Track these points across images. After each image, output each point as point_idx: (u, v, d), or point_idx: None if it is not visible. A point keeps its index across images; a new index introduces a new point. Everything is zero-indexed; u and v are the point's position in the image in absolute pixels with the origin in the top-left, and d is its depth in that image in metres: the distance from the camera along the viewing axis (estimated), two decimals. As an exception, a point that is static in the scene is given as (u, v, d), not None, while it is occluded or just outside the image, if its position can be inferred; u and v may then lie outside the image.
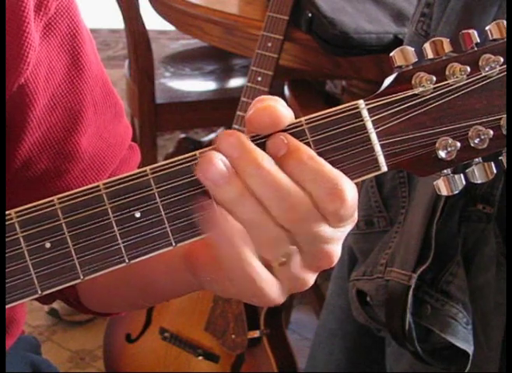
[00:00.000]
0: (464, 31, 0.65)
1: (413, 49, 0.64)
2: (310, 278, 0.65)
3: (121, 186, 0.61)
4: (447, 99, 0.64)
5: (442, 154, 0.64)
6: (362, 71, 1.87)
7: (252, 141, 0.62)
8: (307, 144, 0.62)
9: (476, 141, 0.64)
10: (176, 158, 0.62)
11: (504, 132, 0.65)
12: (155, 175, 0.62)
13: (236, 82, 2.60)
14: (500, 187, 1.21)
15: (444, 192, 0.65)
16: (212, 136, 2.90)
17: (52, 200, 0.61)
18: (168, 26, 2.37)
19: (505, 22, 0.65)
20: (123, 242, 0.62)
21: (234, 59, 2.68)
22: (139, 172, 0.62)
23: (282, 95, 2.01)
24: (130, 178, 0.62)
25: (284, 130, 0.62)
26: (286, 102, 0.63)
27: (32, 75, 0.80)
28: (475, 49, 0.64)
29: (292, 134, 0.62)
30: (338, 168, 0.63)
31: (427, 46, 0.64)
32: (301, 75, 2.11)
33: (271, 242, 0.62)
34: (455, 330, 1.21)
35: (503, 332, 1.24)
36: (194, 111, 2.46)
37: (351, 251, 1.38)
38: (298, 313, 2.35)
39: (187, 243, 0.63)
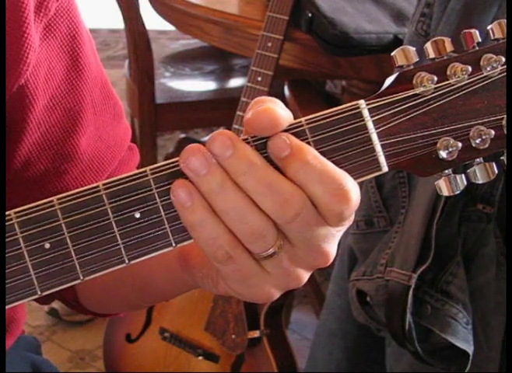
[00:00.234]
0: (465, 31, 0.64)
1: (414, 48, 0.64)
2: (304, 275, 0.64)
3: (121, 186, 0.61)
4: (449, 99, 0.64)
5: (443, 154, 0.64)
6: (362, 71, 1.86)
7: (252, 141, 0.61)
8: (308, 144, 0.62)
9: (477, 141, 0.64)
10: (176, 159, 0.61)
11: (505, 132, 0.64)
12: (155, 175, 0.61)
13: (236, 82, 2.60)
14: (500, 187, 1.21)
15: (445, 192, 0.65)
16: (211, 136, 2.89)
17: (52, 201, 0.61)
18: (168, 26, 2.37)
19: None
20: (123, 243, 0.61)
21: (234, 59, 2.67)
22: (139, 173, 0.62)
23: (282, 95, 2.01)
24: (130, 178, 0.61)
25: (284, 131, 0.62)
26: (286, 102, 0.62)
27: (32, 76, 0.80)
28: (477, 49, 0.64)
29: (292, 134, 0.61)
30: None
31: (429, 45, 0.64)
32: (301, 75, 2.11)
33: (255, 234, 0.61)
34: (455, 330, 1.21)
35: (503, 332, 1.24)
36: (194, 111, 2.46)
37: (351, 251, 1.38)
38: (298, 313, 2.35)
39: (187, 244, 0.62)
